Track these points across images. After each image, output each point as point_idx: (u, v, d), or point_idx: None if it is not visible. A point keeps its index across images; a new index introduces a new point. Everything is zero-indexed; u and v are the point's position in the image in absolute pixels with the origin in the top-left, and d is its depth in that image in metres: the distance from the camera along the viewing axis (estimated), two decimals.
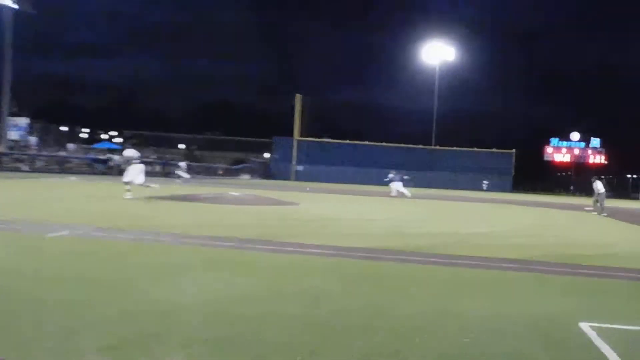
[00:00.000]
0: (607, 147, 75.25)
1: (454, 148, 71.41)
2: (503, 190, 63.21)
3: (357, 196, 28.09)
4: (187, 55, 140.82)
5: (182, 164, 33.04)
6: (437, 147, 72.30)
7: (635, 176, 64.02)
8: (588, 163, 74.14)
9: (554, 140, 75.80)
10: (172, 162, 47.60)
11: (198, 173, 57.68)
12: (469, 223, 14.53)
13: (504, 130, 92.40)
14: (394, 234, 10.55)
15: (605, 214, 21.66)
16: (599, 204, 22.52)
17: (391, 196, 28.79)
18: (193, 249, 7.42)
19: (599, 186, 22.41)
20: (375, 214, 15.93)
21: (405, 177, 31.30)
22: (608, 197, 24.49)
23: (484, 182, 63.04)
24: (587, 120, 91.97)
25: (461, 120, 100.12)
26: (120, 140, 77.56)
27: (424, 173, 66.69)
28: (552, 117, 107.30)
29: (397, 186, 30.10)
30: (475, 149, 71.30)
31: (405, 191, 30.04)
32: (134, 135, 78.17)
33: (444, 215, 17.52)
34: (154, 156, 57.99)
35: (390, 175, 30.52)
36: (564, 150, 75.43)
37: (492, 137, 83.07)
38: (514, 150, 70.89)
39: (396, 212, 17.32)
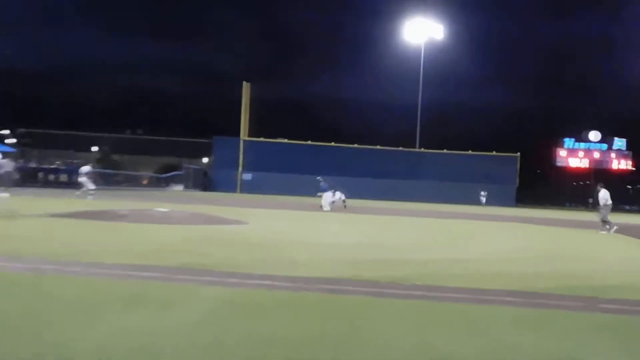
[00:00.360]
0: (634, 149, 76.54)
1: (444, 151, 72.22)
2: (505, 203, 64.15)
3: (319, 213, 28.15)
4: (106, 33, 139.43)
5: (86, 168, 31.64)
6: (423, 149, 73.04)
7: None
8: (611, 169, 75.18)
9: (569, 141, 77.08)
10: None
11: (118, 183, 57.03)
12: (460, 246, 14.73)
13: (506, 129, 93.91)
14: (366, 260, 10.62)
15: (616, 227, 22.37)
16: (604, 218, 23.14)
17: (324, 211, 30.01)
18: (107, 281, 7.32)
19: (607, 196, 23.00)
20: (342, 235, 15.99)
21: (320, 180, 32.41)
22: (633, 211, 25.01)
23: (482, 193, 63.86)
24: (609, 116, 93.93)
25: (452, 117, 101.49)
26: (13, 141, 76.06)
27: (406, 182, 67.32)
28: (565, 112, 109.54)
29: (328, 197, 31.44)
30: (470, 152, 72.13)
31: (327, 204, 31.22)
32: (33, 134, 76.80)
33: (430, 237, 17.72)
34: (59, 162, 57.01)
35: (322, 184, 31.70)
36: (580, 153, 76.68)
37: (491, 137, 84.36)
38: (518, 154, 71.79)
39: (368, 233, 17.44)
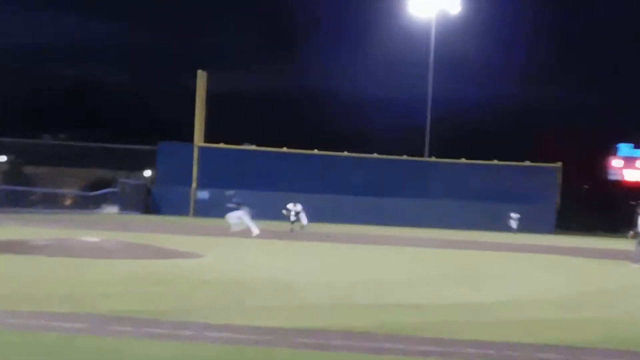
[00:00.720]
0: None
1: (461, 160, 72.08)
2: (541, 229, 63.79)
3: (293, 242, 28.21)
4: (15, 5, 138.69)
5: None
6: (433, 158, 72.99)
7: None
8: None
9: (625, 148, 76.83)
10: None
11: (33, 203, 56.65)
12: (480, 287, 14.82)
13: (543, 131, 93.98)
14: (357, 305, 10.69)
15: None
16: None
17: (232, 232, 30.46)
18: (19, 334, 7.35)
19: None
20: (325, 272, 16.10)
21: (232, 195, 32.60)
22: None
23: (512, 215, 63.31)
24: None
25: (471, 116, 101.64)
26: None
27: (411, 202, 67.13)
28: (620, 109, 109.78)
29: (237, 216, 31.66)
30: (496, 161, 71.98)
31: (250, 222, 31.52)
32: None
33: (441, 274, 17.77)
34: None
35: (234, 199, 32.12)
36: None
37: (522, 142, 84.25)
38: (559, 164, 71.65)
39: (360, 269, 17.54)
